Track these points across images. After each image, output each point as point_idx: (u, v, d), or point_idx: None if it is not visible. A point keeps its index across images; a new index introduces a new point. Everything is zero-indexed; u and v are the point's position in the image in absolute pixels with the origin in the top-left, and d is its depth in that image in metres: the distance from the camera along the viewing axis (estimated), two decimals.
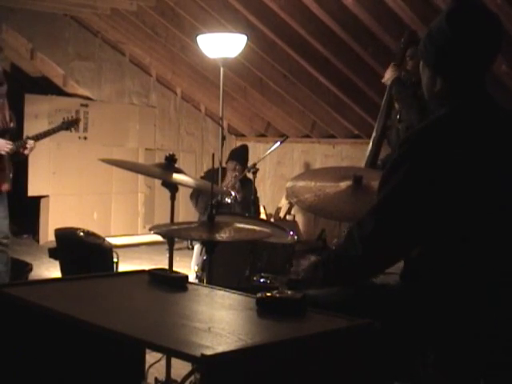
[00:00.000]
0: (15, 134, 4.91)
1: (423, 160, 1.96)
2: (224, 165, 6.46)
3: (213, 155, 3.12)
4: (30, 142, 4.79)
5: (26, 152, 4.80)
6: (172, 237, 3.26)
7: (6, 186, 4.70)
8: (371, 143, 4.41)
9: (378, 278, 2.63)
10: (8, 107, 4.82)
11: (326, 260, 2.14)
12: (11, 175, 4.78)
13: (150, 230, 2.71)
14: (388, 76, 4.35)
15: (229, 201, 5.97)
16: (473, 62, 2.05)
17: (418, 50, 2.17)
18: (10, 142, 4.67)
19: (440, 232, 1.99)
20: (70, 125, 5.53)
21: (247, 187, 6.31)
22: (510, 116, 2.11)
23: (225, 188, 6.16)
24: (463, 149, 1.97)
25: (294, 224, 7.38)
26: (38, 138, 5.00)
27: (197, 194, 6.56)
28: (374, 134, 4.44)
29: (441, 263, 2.01)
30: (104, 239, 4.85)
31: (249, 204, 6.02)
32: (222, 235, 2.56)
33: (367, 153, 4.41)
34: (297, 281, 2.31)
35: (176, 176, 3.20)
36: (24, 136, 5.08)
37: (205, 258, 3.40)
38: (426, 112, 3.98)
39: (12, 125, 4.82)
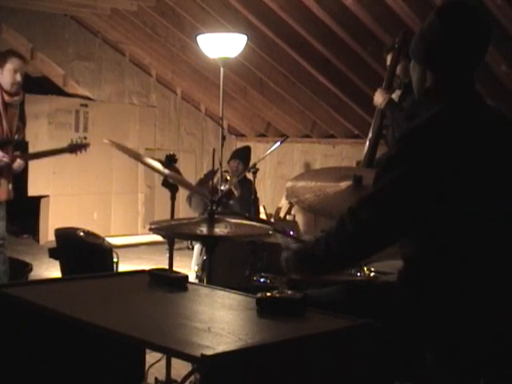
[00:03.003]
0: (21, 146, 4.88)
1: (423, 155, 1.98)
2: (225, 165, 6.44)
3: (213, 150, 3.11)
4: (18, 161, 4.74)
5: (14, 169, 4.76)
6: (172, 234, 3.25)
7: (3, 196, 4.68)
8: (367, 143, 4.41)
9: (380, 278, 2.63)
10: (18, 118, 4.77)
11: (315, 247, 2.13)
12: (11, 186, 4.74)
13: (150, 225, 2.70)
14: (380, 100, 4.30)
15: (223, 188, 5.92)
16: (462, 54, 2.07)
17: (410, 49, 2.19)
18: (7, 156, 4.62)
19: (439, 231, 1.99)
20: (76, 148, 5.31)
21: (246, 187, 6.30)
22: (496, 113, 2.14)
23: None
24: (460, 144, 1.99)
25: (294, 224, 7.37)
26: (30, 157, 4.96)
27: (190, 194, 6.55)
28: (370, 135, 4.43)
29: (441, 263, 2.01)
30: (104, 239, 4.85)
31: (248, 203, 6.02)
32: (223, 230, 2.56)
33: (364, 153, 4.41)
34: (297, 281, 2.31)
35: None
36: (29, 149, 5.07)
37: (205, 257, 3.40)
38: None
39: (17, 136, 4.77)
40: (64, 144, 5.48)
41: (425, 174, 1.96)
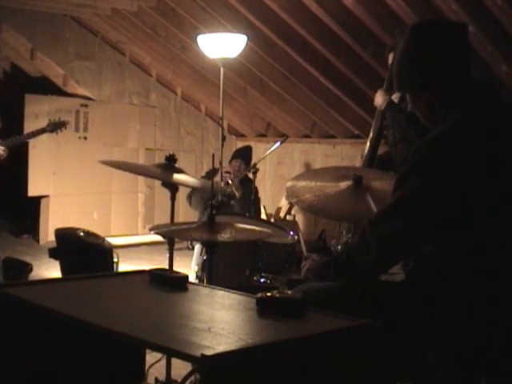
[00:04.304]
0: (4, 135, 4.88)
1: (444, 163, 1.97)
2: (225, 165, 6.45)
3: (213, 155, 3.12)
4: (1, 148, 4.75)
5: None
6: (172, 237, 3.25)
7: None
8: (368, 143, 4.41)
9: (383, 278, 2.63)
10: None
11: (338, 260, 2.14)
12: None
13: (151, 230, 2.71)
14: (380, 101, 4.32)
15: (228, 190, 5.92)
16: (455, 58, 2.09)
17: (401, 87, 2.24)
18: None
19: (456, 233, 2.00)
20: (56, 127, 5.39)
21: (247, 186, 6.31)
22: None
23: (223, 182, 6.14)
24: (481, 149, 1.99)
25: (294, 224, 7.37)
26: (12, 142, 4.95)
27: (190, 194, 6.56)
28: (371, 135, 4.44)
29: (452, 263, 2.02)
30: (104, 239, 4.85)
31: (249, 203, 6.02)
32: (223, 236, 2.56)
33: (364, 153, 4.41)
34: (297, 281, 2.31)
35: (176, 176, 3.20)
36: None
37: (205, 257, 3.40)
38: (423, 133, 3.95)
39: None
40: (64, 145, 5.52)
41: (447, 181, 1.96)
